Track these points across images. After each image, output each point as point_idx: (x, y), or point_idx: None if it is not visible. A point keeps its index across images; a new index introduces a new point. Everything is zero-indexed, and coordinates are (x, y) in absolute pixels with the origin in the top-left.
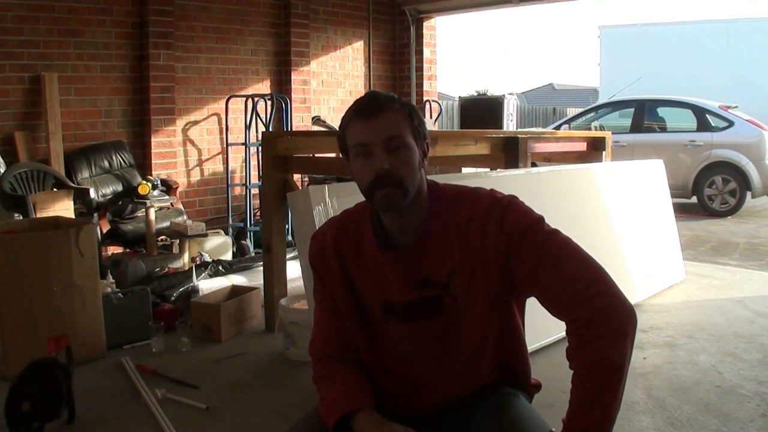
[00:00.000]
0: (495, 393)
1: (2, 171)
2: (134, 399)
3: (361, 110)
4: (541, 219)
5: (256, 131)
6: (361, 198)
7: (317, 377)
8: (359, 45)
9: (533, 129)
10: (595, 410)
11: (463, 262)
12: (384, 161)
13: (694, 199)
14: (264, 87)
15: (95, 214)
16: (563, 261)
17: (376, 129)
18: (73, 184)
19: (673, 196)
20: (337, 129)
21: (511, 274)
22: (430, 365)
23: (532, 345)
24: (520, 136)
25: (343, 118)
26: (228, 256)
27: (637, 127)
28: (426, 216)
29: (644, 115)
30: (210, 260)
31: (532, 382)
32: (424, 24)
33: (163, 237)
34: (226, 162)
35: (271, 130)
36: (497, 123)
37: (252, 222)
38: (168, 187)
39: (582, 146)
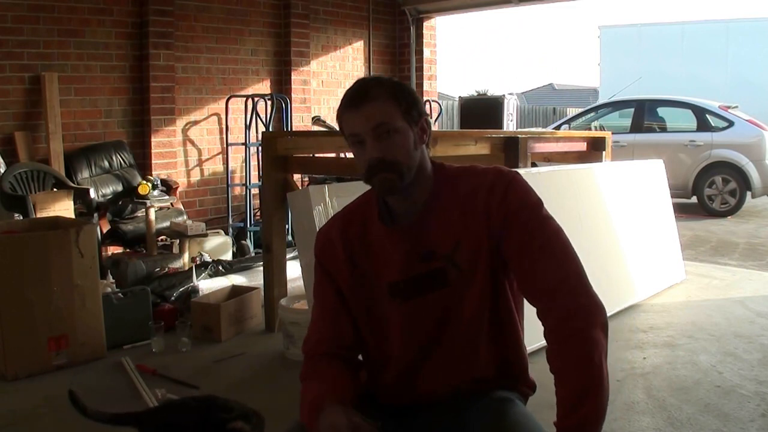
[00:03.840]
0: (491, 398)
1: (2, 171)
2: (134, 399)
3: (348, 101)
4: (540, 202)
5: (256, 131)
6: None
7: (304, 376)
8: (359, 45)
9: (533, 129)
10: (583, 409)
11: (468, 232)
12: (374, 150)
13: (694, 199)
14: (264, 87)
15: (95, 214)
16: (549, 249)
17: (363, 118)
18: (73, 184)
19: (673, 196)
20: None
21: (501, 247)
22: (429, 345)
23: (532, 345)
24: (520, 136)
25: (338, 107)
26: (228, 256)
27: (637, 127)
28: (431, 192)
29: (644, 115)
30: (210, 260)
31: (529, 382)
32: (424, 24)
33: (163, 237)
34: (226, 162)
35: (271, 130)
36: (497, 123)
37: (252, 222)
38: (168, 187)
39: (582, 146)
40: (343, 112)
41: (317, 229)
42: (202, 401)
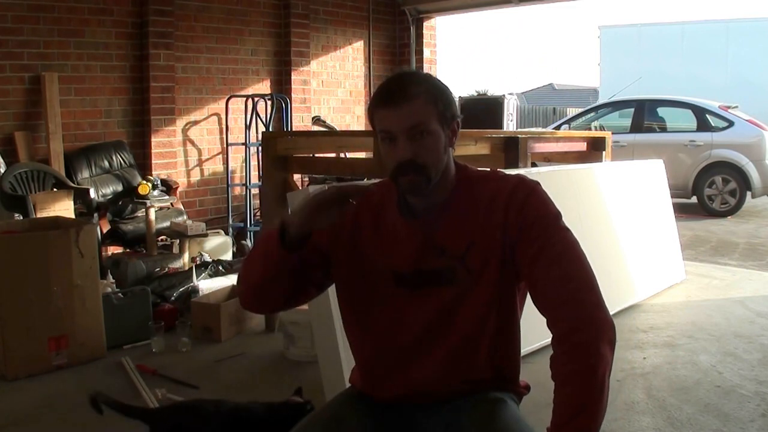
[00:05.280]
0: (484, 399)
1: (2, 171)
2: (134, 399)
3: (384, 98)
4: (558, 214)
5: (256, 131)
6: None
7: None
8: (359, 45)
9: (533, 129)
10: (578, 421)
11: (482, 236)
12: (406, 151)
13: (694, 199)
14: (264, 87)
15: (95, 214)
16: (562, 260)
17: (399, 118)
18: (73, 184)
19: (673, 196)
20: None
21: (515, 254)
22: (428, 337)
23: (532, 345)
24: (520, 136)
25: (371, 99)
26: (228, 256)
27: (637, 127)
28: (451, 193)
29: (644, 115)
30: (210, 260)
31: (521, 383)
32: (424, 24)
33: (163, 237)
34: (226, 162)
35: (271, 130)
36: (497, 123)
37: (252, 222)
38: (168, 187)
39: (582, 146)
40: (376, 106)
41: None
42: (216, 404)
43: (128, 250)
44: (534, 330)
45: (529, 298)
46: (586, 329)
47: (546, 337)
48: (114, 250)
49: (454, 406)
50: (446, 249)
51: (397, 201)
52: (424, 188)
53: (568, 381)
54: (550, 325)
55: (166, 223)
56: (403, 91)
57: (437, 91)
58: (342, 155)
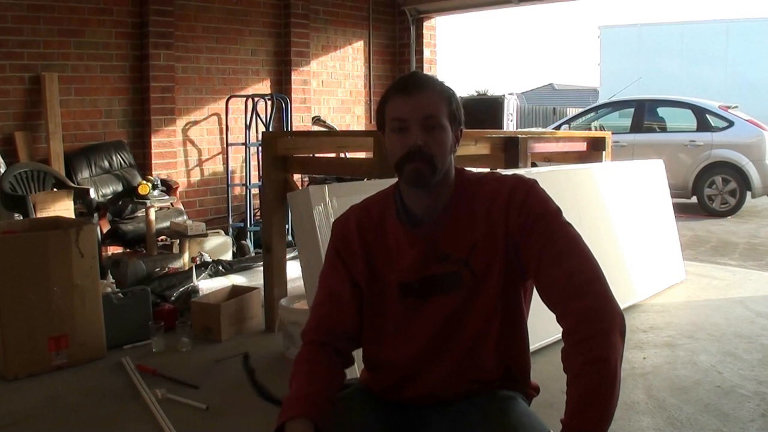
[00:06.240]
0: (494, 397)
1: (2, 171)
2: (134, 399)
3: (402, 86)
4: (558, 210)
5: (256, 131)
6: (362, 196)
7: (298, 361)
8: (359, 45)
9: (533, 129)
10: (593, 409)
11: (484, 237)
12: (418, 138)
13: (694, 199)
14: (264, 87)
15: (95, 214)
16: (567, 254)
17: (415, 106)
18: (73, 184)
19: (673, 196)
20: (380, 101)
21: (519, 253)
22: (438, 343)
23: (532, 345)
24: (520, 136)
25: (385, 91)
26: (228, 256)
27: (637, 127)
28: (451, 196)
29: (644, 115)
30: (210, 260)
31: (532, 384)
32: (424, 24)
33: (163, 237)
34: (226, 162)
35: (271, 130)
36: (497, 123)
37: (252, 222)
38: (168, 187)
39: (582, 146)
40: (393, 94)
41: (317, 229)
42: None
43: (128, 250)
44: (532, 331)
45: (536, 294)
46: (596, 320)
47: (544, 338)
48: (114, 250)
49: (463, 405)
50: (450, 254)
51: (396, 210)
52: (428, 179)
53: (581, 372)
54: (559, 320)
55: (166, 223)
56: (420, 82)
57: (451, 92)
58: (342, 155)
